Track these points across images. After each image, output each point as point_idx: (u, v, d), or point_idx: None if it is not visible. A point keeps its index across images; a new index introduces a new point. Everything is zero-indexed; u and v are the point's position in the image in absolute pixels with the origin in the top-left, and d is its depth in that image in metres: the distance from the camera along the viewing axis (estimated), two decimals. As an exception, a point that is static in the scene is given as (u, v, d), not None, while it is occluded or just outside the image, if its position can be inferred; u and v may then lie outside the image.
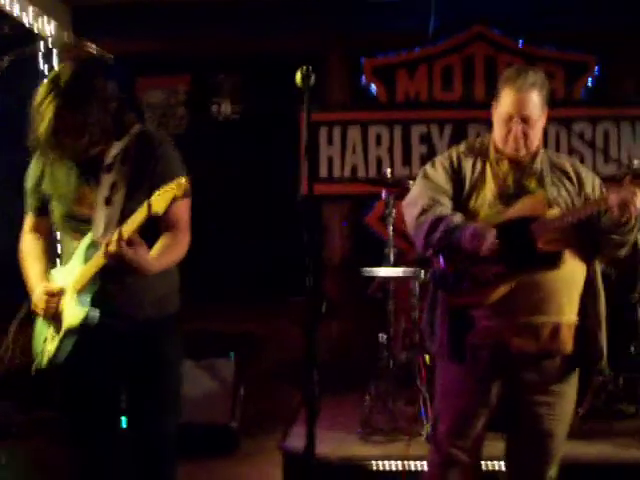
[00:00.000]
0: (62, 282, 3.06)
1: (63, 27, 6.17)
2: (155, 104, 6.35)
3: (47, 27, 6.06)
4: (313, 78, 2.53)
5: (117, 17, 6.32)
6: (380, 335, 4.84)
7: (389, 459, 4.21)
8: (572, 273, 3.07)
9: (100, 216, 2.97)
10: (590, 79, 6.14)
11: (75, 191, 3.03)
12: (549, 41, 6.20)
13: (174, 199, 2.75)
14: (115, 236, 2.81)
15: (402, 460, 4.21)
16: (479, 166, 3.19)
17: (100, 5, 6.26)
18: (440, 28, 6.11)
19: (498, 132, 3.18)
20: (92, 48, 5.84)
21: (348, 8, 6.21)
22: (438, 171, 3.22)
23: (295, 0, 6.18)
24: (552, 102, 5.83)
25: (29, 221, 3.25)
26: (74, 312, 2.98)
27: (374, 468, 4.24)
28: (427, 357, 4.62)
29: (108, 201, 2.95)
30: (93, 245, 2.98)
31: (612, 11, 6.01)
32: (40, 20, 5.95)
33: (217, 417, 5.30)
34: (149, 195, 2.82)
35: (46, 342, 3.07)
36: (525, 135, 3.13)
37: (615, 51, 6.17)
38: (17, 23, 5.87)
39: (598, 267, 3.19)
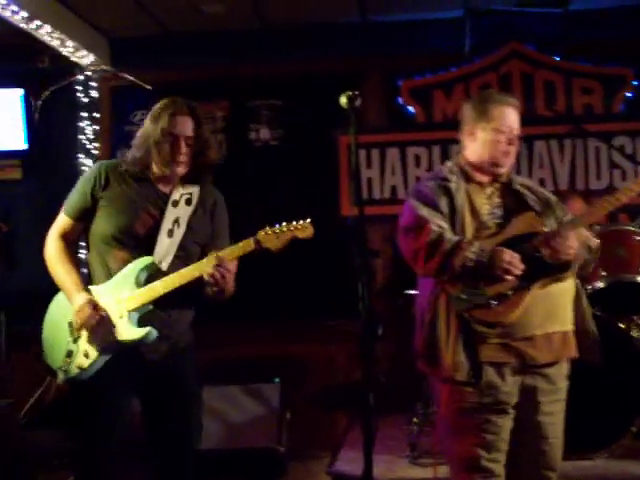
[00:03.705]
0: (106, 298, 3.09)
1: (102, 60, 6.26)
2: (194, 132, 6.38)
3: (86, 60, 6.16)
4: (359, 101, 2.54)
5: (153, 47, 6.40)
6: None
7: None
8: (570, 285, 3.15)
9: (162, 244, 3.14)
10: (628, 92, 6.09)
11: (138, 212, 3.15)
12: (585, 56, 6.15)
13: (293, 239, 3.04)
14: (214, 260, 3.01)
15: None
16: (462, 188, 3.17)
17: (137, 36, 6.35)
18: (476, 47, 6.11)
19: (490, 151, 3.17)
20: (130, 79, 5.92)
21: (384, 30, 6.23)
22: (430, 193, 3.18)
23: (331, 24, 6.22)
24: (592, 117, 5.95)
25: (64, 223, 3.20)
26: (130, 329, 3.04)
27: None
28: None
29: (170, 233, 3.16)
30: (148, 268, 3.09)
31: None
32: (79, 53, 6.04)
33: (264, 441, 5.32)
34: (203, 239, 3.21)
35: (73, 356, 3.08)
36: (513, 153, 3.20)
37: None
38: (56, 54, 5.98)
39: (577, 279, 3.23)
